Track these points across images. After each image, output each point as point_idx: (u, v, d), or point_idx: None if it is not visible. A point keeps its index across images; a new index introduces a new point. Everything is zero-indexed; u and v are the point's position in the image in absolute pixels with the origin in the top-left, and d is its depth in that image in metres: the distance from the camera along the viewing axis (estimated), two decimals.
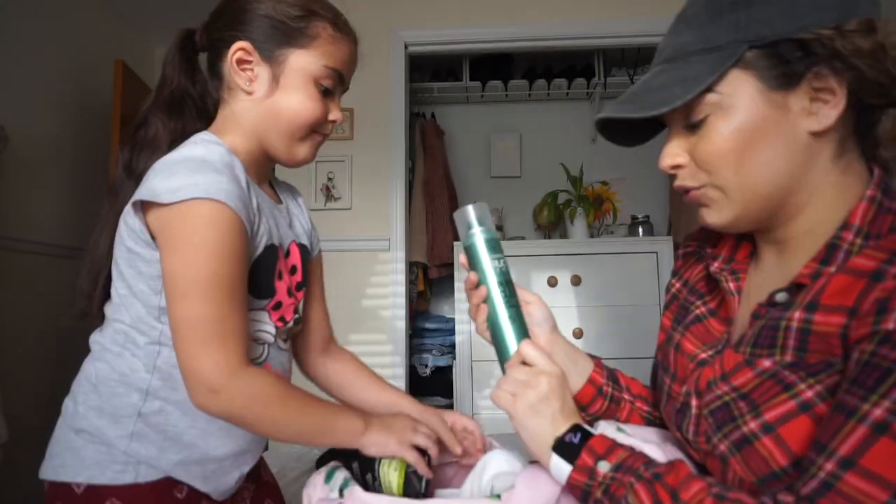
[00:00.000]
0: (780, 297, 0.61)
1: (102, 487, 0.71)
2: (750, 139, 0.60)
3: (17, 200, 2.43)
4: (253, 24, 0.75)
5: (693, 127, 0.63)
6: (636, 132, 0.73)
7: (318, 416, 0.72)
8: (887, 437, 0.47)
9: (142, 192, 0.68)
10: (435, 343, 2.85)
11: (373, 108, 2.53)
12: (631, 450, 0.62)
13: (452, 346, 2.65)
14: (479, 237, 0.76)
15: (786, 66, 0.58)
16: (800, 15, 0.57)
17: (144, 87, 2.93)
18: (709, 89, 0.60)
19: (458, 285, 2.46)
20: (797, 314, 0.58)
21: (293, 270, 0.85)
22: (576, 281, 2.43)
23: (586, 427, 0.65)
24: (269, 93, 0.76)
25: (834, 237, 0.59)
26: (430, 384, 2.78)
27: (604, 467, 0.60)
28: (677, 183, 0.68)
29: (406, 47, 2.57)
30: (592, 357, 0.84)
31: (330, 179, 2.53)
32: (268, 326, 0.79)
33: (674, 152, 0.66)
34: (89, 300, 0.79)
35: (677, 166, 0.66)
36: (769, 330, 0.60)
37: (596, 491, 0.60)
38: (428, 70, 3.25)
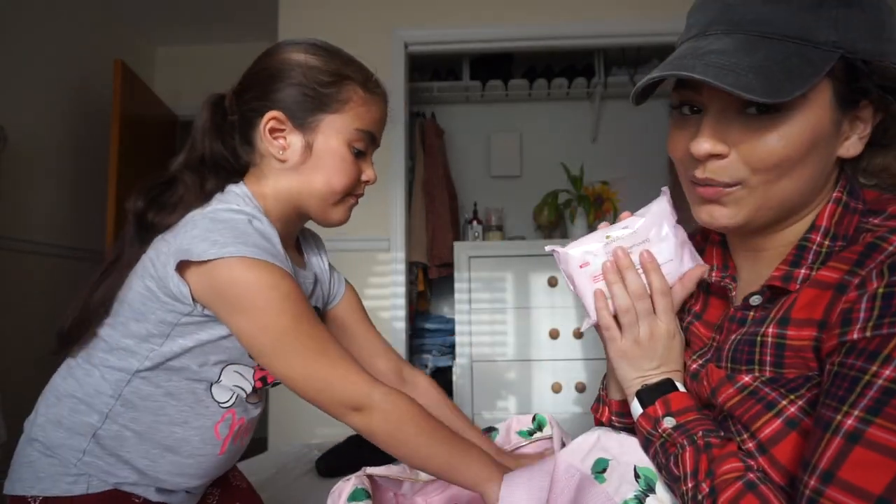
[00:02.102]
0: (755, 300, 0.62)
1: (56, 499, 0.72)
2: (809, 149, 0.56)
3: (17, 200, 2.43)
4: (284, 93, 0.75)
5: (762, 115, 0.56)
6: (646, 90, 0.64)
7: (449, 451, 0.68)
8: (860, 446, 0.47)
9: (182, 251, 0.68)
10: (435, 343, 2.85)
11: None
12: (704, 416, 0.63)
13: (452, 346, 2.65)
14: None
15: (861, 89, 0.56)
16: (885, 40, 0.56)
17: (144, 87, 2.93)
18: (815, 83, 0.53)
19: (459, 286, 2.46)
20: (771, 329, 0.58)
21: None
22: None
23: (677, 383, 0.66)
24: (303, 160, 0.76)
25: (802, 239, 0.60)
26: None
27: (668, 423, 0.62)
28: (706, 174, 0.59)
29: (406, 47, 2.57)
30: None
31: None
32: (245, 383, 0.79)
33: (717, 138, 0.58)
34: (67, 343, 0.78)
35: (718, 155, 0.58)
36: (745, 345, 0.60)
37: (655, 442, 0.62)
38: (428, 70, 3.25)
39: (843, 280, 0.54)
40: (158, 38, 3.45)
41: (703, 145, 0.58)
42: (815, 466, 0.49)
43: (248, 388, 0.80)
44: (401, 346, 2.46)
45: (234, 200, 0.75)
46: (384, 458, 0.79)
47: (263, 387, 0.82)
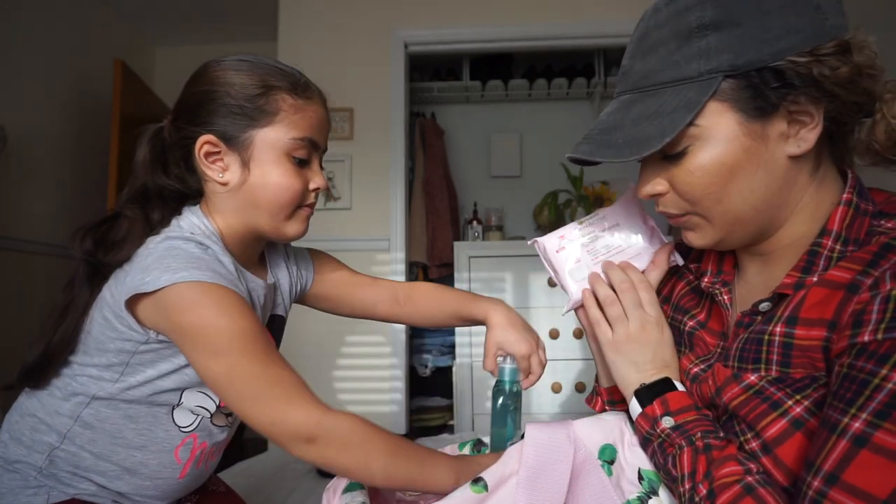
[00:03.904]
0: (764, 306, 0.61)
1: None
2: (731, 171, 0.58)
3: (16, 200, 2.43)
4: (213, 115, 0.73)
5: (672, 157, 0.61)
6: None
7: (411, 465, 0.68)
8: (867, 449, 0.47)
9: (137, 283, 0.67)
10: (435, 343, 2.85)
11: (373, 107, 2.53)
12: (703, 416, 0.63)
13: (452, 346, 2.65)
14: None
15: (762, 96, 0.56)
16: (772, 40, 0.54)
17: (144, 87, 2.93)
18: (688, 123, 0.58)
19: (458, 286, 2.46)
20: (779, 328, 0.58)
21: None
22: None
23: (675, 382, 0.67)
24: (243, 179, 0.74)
25: (814, 244, 0.59)
26: (430, 384, 2.78)
27: (667, 422, 0.62)
28: (660, 209, 0.67)
29: (406, 47, 2.57)
30: None
31: (330, 179, 2.53)
32: (210, 403, 0.78)
33: (653, 181, 0.65)
34: (29, 380, 0.77)
35: (658, 194, 0.65)
36: (752, 344, 0.60)
37: (654, 441, 0.63)
38: (428, 70, 3.25)
39: (854, 280, 0.53)
40: (158, 38, 3.45)
41: (643, 189, 0.66)
42: (819, 468, 0.49)
43: (213, 408, 0.78)
44: (401, 346, 2.46)
45: (189, 227, 0.75)
46: None
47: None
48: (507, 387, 0.81)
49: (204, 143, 0.73)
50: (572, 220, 2.75)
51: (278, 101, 0.73)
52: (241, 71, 0.74)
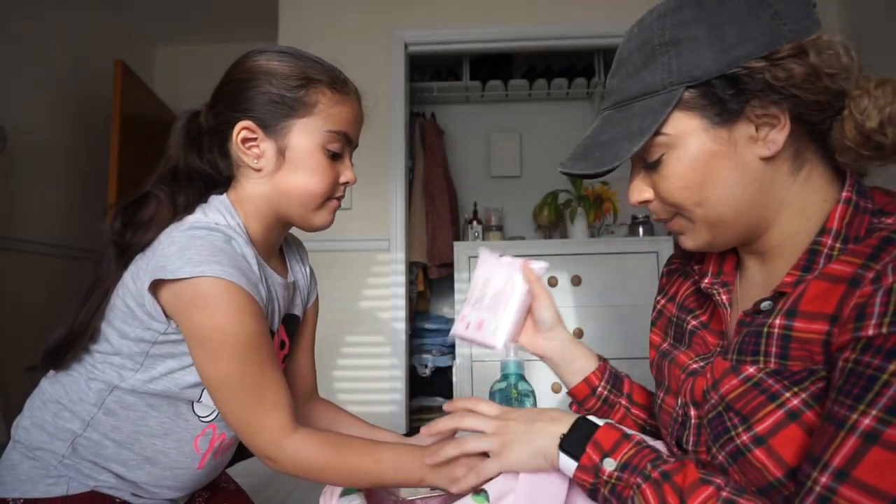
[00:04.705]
0: (765, 305, 0.61)
1: (37, 501, 0.73)
2: (703, 175, 0.61)
3: (17, 200, 2.43)
4: (253, 102, 0.75)
5: (651, 166, 0.64)
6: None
7: (372, 473, 0.72)
8: (879, 446, 0.47)
9: (158, 269, 0.68)
10: (435, 343, 2.85)
11: (372, 108, 2.53)
12: (638, 444, 0.60)
13: (452, 346, 2.65)
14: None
15: (721, 103, 0.58)
16: (728, 49, 0.57)
17: (144, 87, 2.93)
18: (656, 133, 0.61)
19: (459, 286, 2.46)
20: (778, 321, 0.58)
21: (282, 345, 0.87)
22: (576, 281, 2.43)
23: (590, 418, 0.64)
24: (277, 167, 0.76)
25: (813, 243, 0.59)
26: (430, 384, 2.78)
27: (609, 465, 0.59)
28: (654, 217, 0.70)
29: (406, 47, 2.57)
30: (601, 359, 0.86)
31: None
32: None
33: (639, 188, 0.68)
34: (51, 362, 0.78)
35: (645, 201, 0.68)
36: (752, 336, 0.60)
37: (603, 489, 0.59)
38: (428, 70, 3.25)
39: (856, 274, 0.53)
40: (158, 38, 3.46)
41: (632, 197, 0.69)
42: (826, 464, 0.49)
43: None
44: (401, 346, 2.46)
45: (214, 215, 0.75)
46: None
47: None
48: (514, 380, 0.86)
49: (242, 128, 0.75)
50: (572, 220, 2.77)
51: (318, 93, 0.75)
52: (283, 62, 0.76)
